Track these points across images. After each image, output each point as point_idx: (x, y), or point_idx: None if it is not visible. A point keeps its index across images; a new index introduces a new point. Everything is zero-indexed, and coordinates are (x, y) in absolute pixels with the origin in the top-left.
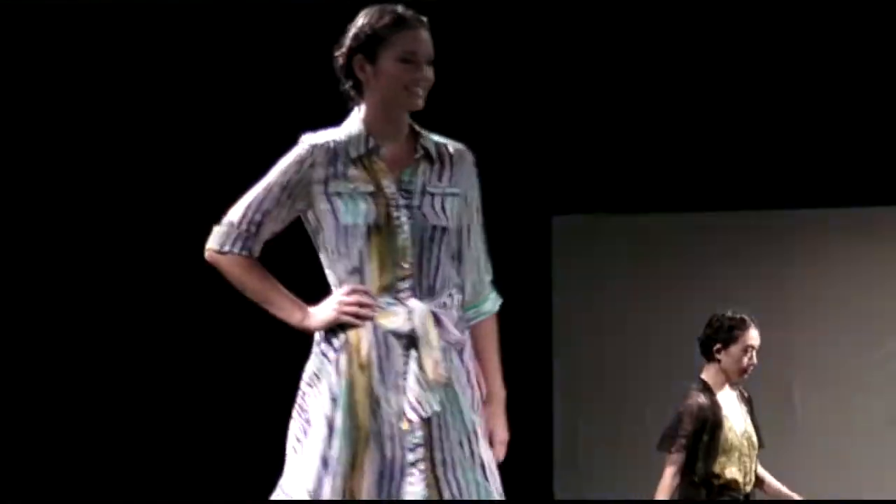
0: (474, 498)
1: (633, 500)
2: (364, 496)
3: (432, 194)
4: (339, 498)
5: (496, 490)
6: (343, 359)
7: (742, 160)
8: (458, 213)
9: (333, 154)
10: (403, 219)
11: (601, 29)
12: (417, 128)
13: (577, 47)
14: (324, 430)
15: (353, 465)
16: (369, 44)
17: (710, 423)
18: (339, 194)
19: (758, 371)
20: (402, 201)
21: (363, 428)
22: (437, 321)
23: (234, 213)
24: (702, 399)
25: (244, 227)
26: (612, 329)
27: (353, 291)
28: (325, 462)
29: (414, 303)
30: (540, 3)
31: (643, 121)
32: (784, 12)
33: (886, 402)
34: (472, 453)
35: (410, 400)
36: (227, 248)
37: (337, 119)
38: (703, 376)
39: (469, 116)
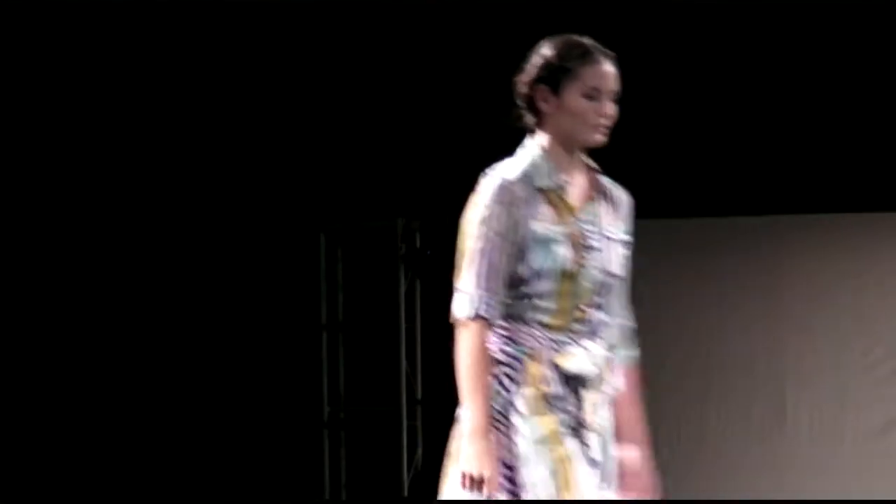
0: None
1: None
2: None
3: (610, 238)
4: None
5: None
6: (527, 392)
7: (734, 166)
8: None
9: (528, 191)
10: (589, 261)
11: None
12: (592, 164)
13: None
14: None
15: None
16: (555, 75)
17: None
18: (535, 234)
19: (750, 378)
20: (587, 242)
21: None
22: (610, 367)
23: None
24: None
25: (490, 293)
26: None
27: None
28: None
29: (590, 344)
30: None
31: (628, 127)
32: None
33: (879, 408)
34: None
35: (591, 441)
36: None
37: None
38: None
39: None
